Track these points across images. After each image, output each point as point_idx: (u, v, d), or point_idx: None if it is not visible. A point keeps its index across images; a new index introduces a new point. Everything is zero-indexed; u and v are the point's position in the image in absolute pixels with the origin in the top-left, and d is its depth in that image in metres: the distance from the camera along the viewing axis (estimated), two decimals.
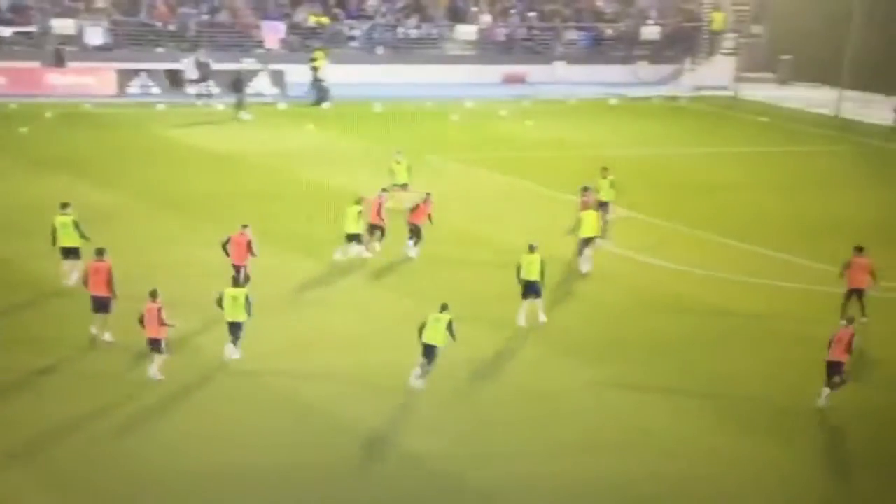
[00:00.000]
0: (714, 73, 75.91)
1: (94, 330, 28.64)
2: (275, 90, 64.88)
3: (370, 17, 74.98)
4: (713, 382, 28.18)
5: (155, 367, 26.69)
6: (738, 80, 74.78)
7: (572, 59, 75.01)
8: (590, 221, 35.38)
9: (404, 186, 39.13)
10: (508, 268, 31.59)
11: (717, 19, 79.02)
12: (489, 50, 75.34)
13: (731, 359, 29.67)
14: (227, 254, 31.71)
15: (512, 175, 47.72)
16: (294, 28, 71.74)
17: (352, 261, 35.11)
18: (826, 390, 26.50)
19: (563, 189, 37.77)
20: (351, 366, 28.17)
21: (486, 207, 42.91)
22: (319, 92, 63.19)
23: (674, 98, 71.04)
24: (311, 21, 72.69)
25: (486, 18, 76.95)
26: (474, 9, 77.60)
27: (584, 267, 35.49)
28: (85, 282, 28.99)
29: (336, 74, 64.58)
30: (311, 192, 44.00)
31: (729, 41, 78.87)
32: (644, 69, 76.66)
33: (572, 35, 77.80)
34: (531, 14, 78.20)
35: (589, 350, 29.91)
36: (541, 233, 35.98)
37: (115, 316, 28.61)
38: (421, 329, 26.60)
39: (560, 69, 73.89)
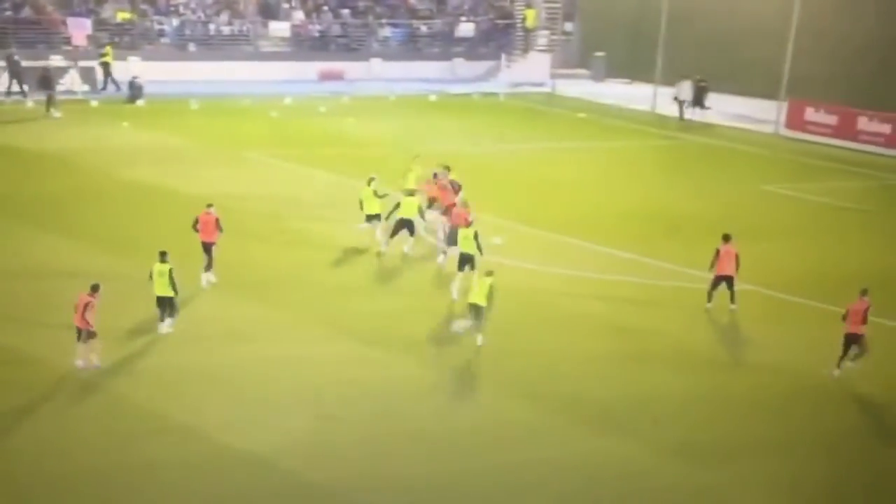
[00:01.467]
0: (530, 70, 76.44)
1: None
2: (85, 87, 63.08)
3: (179, 14, 73.44)
4: (563, 375, 27.83)
5: (88, 357, 26.14)
6: (555, 76, 75.29)
7: (389, 56, 74.70)
8: (408, 205, 35.76)
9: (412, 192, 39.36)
10: (344, 265, 30.73)
11: (530, 16, 79.60)
12: (304, 47, 74.46)
13: (585, 352, 29.32)
14: (198, 231, 32.09)
15: (336, 172, 46.86)
16: (101, 24, 69.70)
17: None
18: (847, 363, 27.93)
19: (390, 185, 37.49)
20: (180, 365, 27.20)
21: (315, 206, 41.92)
22: (132, 89, 61.58)
23: (493, 94, 71.10)
24: (119, 17, 70.79)
25: (299, 15, 76.01)
26: (286, 5, 76.56)
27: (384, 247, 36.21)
28: None
29: (149, 71, 63.48)
30: (133, 190, 42.57)
31: (543, 38, 79.56)
32: (461, 66, 76.79)
33: (387, 32, 77.43)
34: (344, 11, 77.55)
35: (425, 342, 29.34)
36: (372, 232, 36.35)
37: None
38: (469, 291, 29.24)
39: (377, 66, 73.44)
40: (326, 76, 72.21)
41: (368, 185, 36.50)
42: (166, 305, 28.17)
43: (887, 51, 62.38)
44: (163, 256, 28.04)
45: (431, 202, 37.74)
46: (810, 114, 63.45)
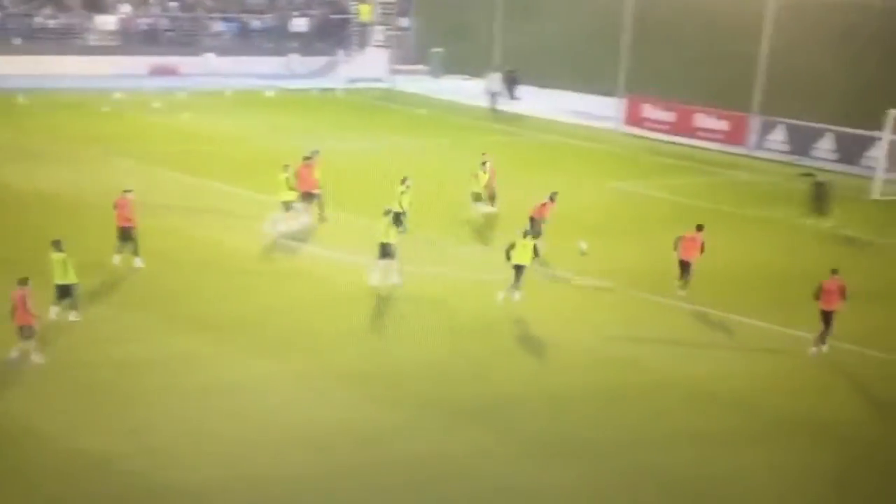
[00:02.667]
0: (368, 66, 75.74)
1: None
2: None
3: (1, 7, 70.88)
4: (416, 370, 27.08)
5: (32, 352, 25.67)
6: (394, 72, 74.55)
7: (222, 51, 73.25)
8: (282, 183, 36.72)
9: (479, 196, 41.10)
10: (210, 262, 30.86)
11: (364, 11, 78.86)
12: (133, 41, 72.40)
13: (452, 350, 28.48)
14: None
15: (176, 169, 45.28)
16: None
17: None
18: (823, 344, 29.07)
19: (231, 182, 36.38)
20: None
21: (166, 205, 40.21)
22: None
23: (331, 90, 70.04)
24: None
25: (126, 8, 73.93)
26: None
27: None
28: None
29: None
30: None
31: (379, 34, 78.74)
32: (296, 61, 75.58)
33: (219, 26, 75.74)
34: (173, 4, 75.65)
35: (281, 343, 28.23)
36: (229, 229, 36.34)
37: None
38: (508, 251, 31.23)
39: (211, 61, 71.79)
40: (158, 71, 70.24)
41: (283, 170, 36.59)
42: (64, 293, 27.83)
43: (724, 47, 62.78)
44: (57, 245, 27.69)
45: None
46: (648, 110, 63.86)
